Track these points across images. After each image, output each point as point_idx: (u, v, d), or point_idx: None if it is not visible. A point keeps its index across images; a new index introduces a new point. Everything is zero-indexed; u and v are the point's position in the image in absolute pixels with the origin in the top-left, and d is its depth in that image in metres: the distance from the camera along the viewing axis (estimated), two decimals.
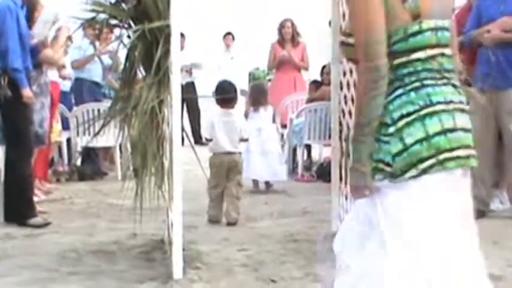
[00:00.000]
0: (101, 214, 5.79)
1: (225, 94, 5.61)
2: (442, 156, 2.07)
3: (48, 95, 6.04)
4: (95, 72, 8.13)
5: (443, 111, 2.09)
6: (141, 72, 4.26)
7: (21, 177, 5.35)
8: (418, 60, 2.12)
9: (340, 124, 4.79)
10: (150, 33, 4.01)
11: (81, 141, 7.88)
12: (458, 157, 2.09)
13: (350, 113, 4.57)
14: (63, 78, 7.48)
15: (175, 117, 3.86)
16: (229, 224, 5.37)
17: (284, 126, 8.56)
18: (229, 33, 12.21)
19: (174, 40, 3.87)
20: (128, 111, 4.19)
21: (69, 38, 6.99)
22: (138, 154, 4.10)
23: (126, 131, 4.26)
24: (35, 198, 5.73)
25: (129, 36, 4.25)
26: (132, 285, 3.80)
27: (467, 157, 2.14)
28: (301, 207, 6.06)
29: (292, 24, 9.26)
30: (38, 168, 6.30)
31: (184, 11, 3.93)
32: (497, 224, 5.25)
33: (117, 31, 4.56)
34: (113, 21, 4.34)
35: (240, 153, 5.67)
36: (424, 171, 2.07)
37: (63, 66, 7.36)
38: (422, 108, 2.08)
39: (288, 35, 9.22)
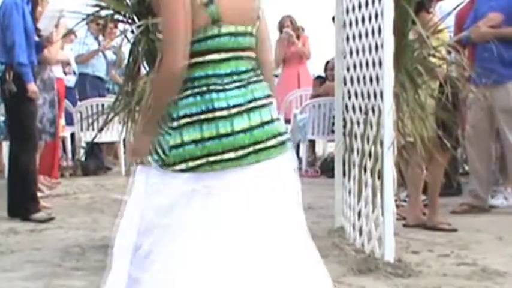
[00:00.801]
0: (105, 209, 5.80)
1: None
2: (212, 159, 2.23)
3: (51, 91, 6.03)
4: (98, 67, 8.13)
5: (222, 117, 2.23)
6: (144, 68, 4.26)
7: (25, 171, 5.36)
8: (211, 61, 2.27)
9: (344, 119, 4.78)
10: (154, 28, 4.00)
11: (85, 136, 7.89)
12: (229, 159, 2.24)
13: (354, 108, 4.56)
14: (66, 74, 7.48)
15: None
16: None
17: (288, 121, 8.53)
18: None
19: None
20: (131, 106, 4.20)
21: (73, 33, 6.99)
22: None
23: (129, 126, 4.26)
24: (39, 194, 5.74)
25: (133, 31, 4.25)
26: None
27: (244, 156, 2.26)
28: (305, 202, 5.98)
29: (291, 21, 9.20)
30: (43, 163, 6.30)
31: None
32: (501, 220, 5.24)
33: (121, 26, 4.56)
34: (117, 16, 4.34)
35: None
36: (192, 169, 2.24)
37: (68, 64, 7.37)
38: (203, 112, 2.24)
39: None
